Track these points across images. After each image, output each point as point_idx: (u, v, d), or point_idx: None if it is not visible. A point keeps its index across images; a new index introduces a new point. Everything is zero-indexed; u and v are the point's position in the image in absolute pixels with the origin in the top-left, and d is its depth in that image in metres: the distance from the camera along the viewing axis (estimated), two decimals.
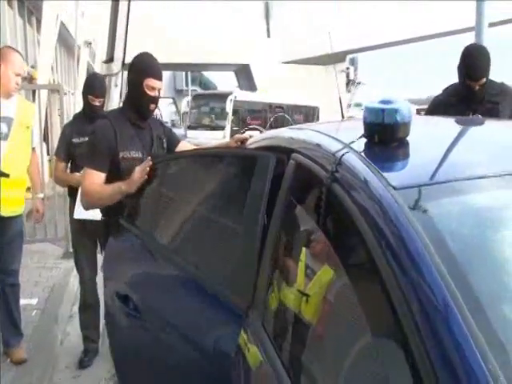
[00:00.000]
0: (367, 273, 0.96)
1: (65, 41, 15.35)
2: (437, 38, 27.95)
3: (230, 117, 20.09)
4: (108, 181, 2.49)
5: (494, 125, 1.77)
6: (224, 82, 49.79)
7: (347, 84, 30.02)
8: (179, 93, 40.14)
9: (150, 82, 2.51)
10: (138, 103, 2.55)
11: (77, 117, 3.72)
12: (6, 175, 2.96)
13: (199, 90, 48.90)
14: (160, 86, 2.56)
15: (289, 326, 1.24)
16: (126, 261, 2.28)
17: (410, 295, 0.83)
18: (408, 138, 1.25)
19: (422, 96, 30.80)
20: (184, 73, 40.62)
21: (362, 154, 1.19)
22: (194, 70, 41.80)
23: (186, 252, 1.79)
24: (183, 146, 2.82)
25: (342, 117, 2.28)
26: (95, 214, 3.41)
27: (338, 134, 1.44)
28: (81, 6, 15.41)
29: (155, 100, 2.57)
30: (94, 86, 3.51)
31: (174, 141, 2.80)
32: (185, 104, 30.28)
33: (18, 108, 3.14)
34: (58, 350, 3.81)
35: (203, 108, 21.40)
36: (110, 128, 2.50)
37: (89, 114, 3.50)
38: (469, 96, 2.88)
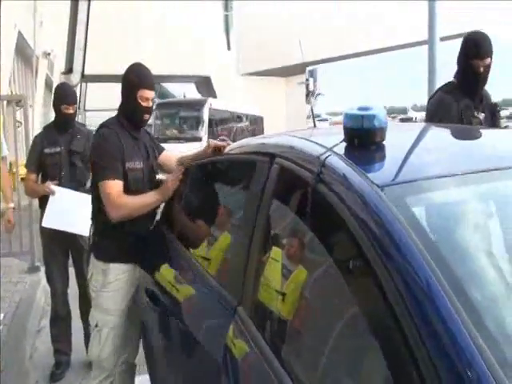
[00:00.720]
0: (357, 264, 1.06)
1: (22, 51, 15.02)
2: (396, 50, 28.87)
3: (207, 127, 18.46)
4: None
5: (461, 129, 1.92)
6: (183, 93, 49.65)
7: (307, 95, 30.56)
8: None
9: (144, 93, 2.50)
10: (133, 114, 2.55)
11: (48, 128, 3.68)
12: None
13: (158, 101, 48.81)
14: (153, 96, 2.57)
15: (275, 316, 1.33)
16: (157, 259, 2.45)
17: (399, 279, 0.92)
18: (384, 142, 1.36)
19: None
20: None
21: (344, 156, 1.29)
22: (155, 82, 41.46)
23: (201, 254, 2.01)
24: (166, 156, 2.82)
25: (314, 125, 2.39)
26: (64, 225, 3.40)
27: (317, 139, 1.54)
28: (39, 15, 15.15)
29: (149, 110, 2.58)
30: (67, 94, 3.51)
31: (158, 150, 2.80)
32: None
33: None
34: (28, 365, 3.73)
35: (171, 118, 19.56)
36: (116, 136, 2.47)
37: (61, 124, 3.49)
38: (474, 79, 2.78)
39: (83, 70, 22.41)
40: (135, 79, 2.51)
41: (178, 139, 17.52)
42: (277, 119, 23.57)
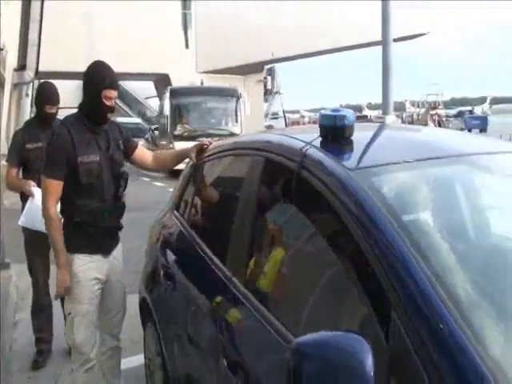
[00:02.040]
0: (338, 232, 1.38)
1: None
2: (351, 49, 29.65)
3: (242, 121, 15.56)
4: (66, 185, 2.56)
5: (411, 128, 2.29)
6: (141, 92, 48.99)
7: (265, 93, 30.90)
8: None
9: (108, 92, 2.55)
10: (96, 113, 2.60)
11: (30, 123, 3.77)
12: None
13: (116, 100, 47.57)
14: (116, 95, 2.63)
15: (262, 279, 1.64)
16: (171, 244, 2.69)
17: (374, 245, 1.24)
18: (352, 138, 1.68)
19: (335, 105, 32.50)
20: None
21: (321, 148, 1.60)
22: None
23: (211, 238, 2.29)
24: (141, 152, 2.88)
25: (286, 125, 2.72)
26: (40, 226, 3.51)
27: (297, 136, 1.85)
28: None
29: (112, 109, 2.64)
30: (50, 94, 3.58)
31: (131, 146, 2.85)
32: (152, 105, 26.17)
33: None
34: (8, 355, 3.86)
35: (194, 109, 15.90)
36: (66, 135, 2.56)
37: (43, 122, 3.58)
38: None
39: (37, 67, 21.87)
40: (100, 79, 2.55)
41: (210, 135, 12.58)
42: None
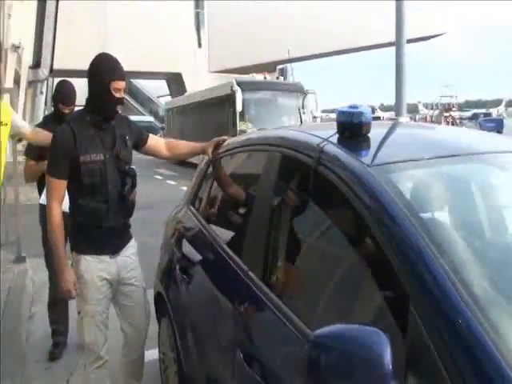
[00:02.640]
0: (356, 227, 1.40)
1: None
2: (364, 50, 29.57)
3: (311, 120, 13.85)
4: (70, 185, 2.49)
5: (428, 126, 2.31)
6: (154, 90, 49.28)
7: None
8: None
9: (117, 84, 2.45)
10: (105, 106, 2.49)
11: (46, 119, 3.83)
12: None
13: (128, 99, 47.84)
14: (124, 86, 2.53)
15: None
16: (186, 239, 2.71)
17: (392, 240, 1.26)
18: (369, 135, 1.70)
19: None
20: None
21: (338, 144, 1.62)
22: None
23: (227, 233, 2.36)
24: (152, 142, 2.78)
25: (301, 122, 2.72)
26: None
27: (314, 132, 1.87)
28: (7, 7, 14.92)
29: (122, 101, 2.52)
30: (65, 95, 3.64)
31: (142, 138, 2.75)
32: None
33: None
34: (25, 347, 3.93)
35: (262, 106, 13.88)
36: (68, 133, 2.47)
37: (58, 119, 3.59)
38: None
39: (52, 65, 22.10)
40: (108, 70, 2.44)
41: None
42: None
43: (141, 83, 47.61)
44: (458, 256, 1.28)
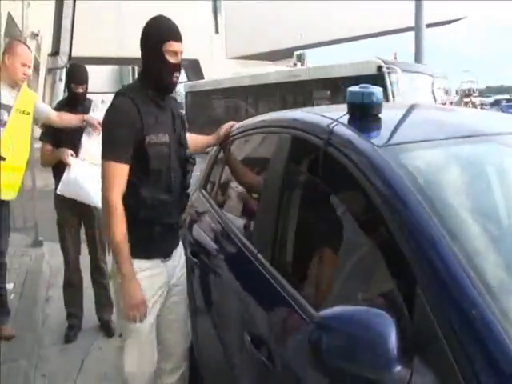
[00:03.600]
0: (365, 210, 1.36)
1: (11, 33, 14.93)
2: (380, 36, 29.14)
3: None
4: (132, 173, 2.04)
5: (439, 108, 2.25)
6: None
7: None
8: None
9: (171, 46, 2.05)
10: (160, 75, 2.08)
11: (61, 103, 3.84)
12: (3, 158, 3.14)
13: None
14: (181, 49, 2.10)
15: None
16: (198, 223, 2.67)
17: (402, 223, 1.22)
18: (380, 115, 1.65)
19: None
20: (131, 67, 40.11)
21: (349, 125, 1.58)
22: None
23: (237, 215, 2.33)
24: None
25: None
26: (79, 195, 3.61)
27: (324, 113, 1.83)
28: None
29: (179, 67, 2.11)
30: (76, 74, 3.66)
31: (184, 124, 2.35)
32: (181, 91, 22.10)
33: (20, 96, 3.32)
34: (41, 329, 4.00)
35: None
36: (132, 107, 2.03)
37: (72, 101, 3.66)
38: None
39: (70, 52, 22.23)
40: (158, 32, 2.07)
41: None
42: None
43: None
44: (472, 242, 1.24)
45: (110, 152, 2.03)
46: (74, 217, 3.73)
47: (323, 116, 1.74)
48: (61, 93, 25.71)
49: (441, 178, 1.46)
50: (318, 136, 1.62)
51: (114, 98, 2.13)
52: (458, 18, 27.13)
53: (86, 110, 3.66)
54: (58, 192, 3.57)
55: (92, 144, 3.51)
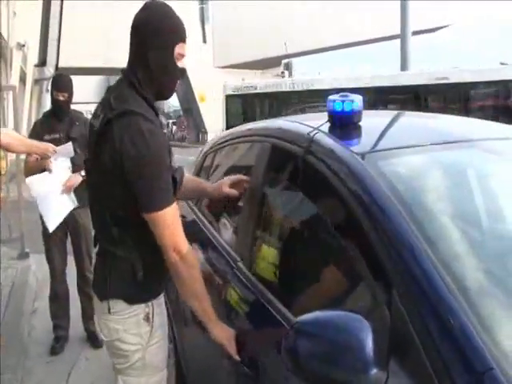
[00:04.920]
0: (345, 217, 1.39)
1: None
2: (366, 44, 29.45)
3: None
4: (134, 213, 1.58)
5: (417, 115, 2.30)
6: None
7: None
8: None
9: (182, 48, 1.69)
10: (165, 81, 1.69)
11: (46, 114, 3.81)
12: None
13: None
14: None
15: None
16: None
17: (380, 231, 1.25)
18: (360, 123, 1.68)
19: None
20: (118, 77, 40.03)
21: (329, 133, 1.61)
22: None
23: (219, 224, 2.32)
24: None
25: None
26: (63, 213, 3.56)
27: (304, 121, 1.86)
28: (12, 4, 14.95)
29: (184, 73, 1.75)
30: (58, 81, 3.63)
31: None
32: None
33: None
34: (27, 341, 3.96)
35: None
36: (161, 134, 1.65)
37: (57, 111, 3.63)
38: None
39: (57, 63, 22.17)
40: (174, 28, 1.69)
41: None
42: None
43: None
44: (449, 248, 1.26)
45: (158, 193, 1.55)
46: (60, 227, 3.70)
47: (304, 124, 1.76)
48: (48, 103, 25.66)
49: (420, 185, 1.49)
50: (298, 144, 1.64)
51: (133, 122, 1.56)
52: (442, 26, 27.51)
53: (72, 122, 3.66)
54: (51, 231, 3.51)
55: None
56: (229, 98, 16.85)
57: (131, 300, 1.66)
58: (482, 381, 0.94)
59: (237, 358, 1.55)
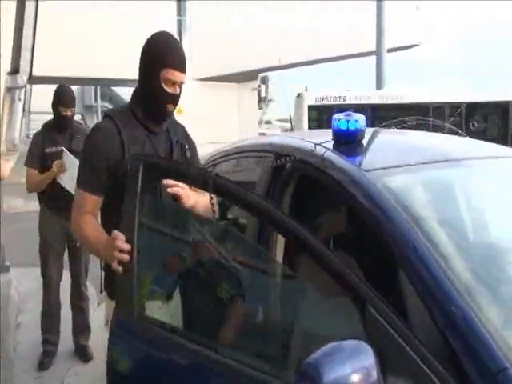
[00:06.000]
0: (356, 224, 1.48)
1: None
2: (341, 60, 29.97)
3: None
4: (111, 202, 1.85)
5: (416, 134, 2.42)
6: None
7: (259, 101, 30.99)
8: (88, 109, 38.89)
9: (170, 73, 1.87)
10: (152, 102, 1.91)
11: (47, 127, 3.75)
12: None
13: (109, 106, 47.49)
14: (182, 80, 1.92)
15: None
16: None
17: (389, 237, 1.36)
18: (363, 141, 1.78)
19: None
20: (93, 88, 39.58)
21: (337, 151, 1.70)
22: (106, 85, 40.90)
23: None
24: None
25: (292, 129, 2.80)
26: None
27: (312, 140, 1.94)
28: None
29: (175, 98, 1.92)
30: (64, 97, 3.61)
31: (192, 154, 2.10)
32: None
33: None
34: (13, 357, 3.90)
35: None
36: (112, 130, 1.89)
37: (60, 125, 3.63)
38: None
39: (31, 71, 21.84)
40: (159, 53, 1.89)
41: None
42: (229, 124, 23.85)
43: (120, 91, 47.16)
44: (448, 252, 1.37)
45: (80, 179, 1.91)
46: (61, 240, 3.67)
47: (311, 142, 1.84)
48: (20, 112, 25.23)
49: (420, 198, 1.62)
50: (310, 162, 1.73)
51: (99, 122, 2.04)
52: (414, 44, 28.24)
53: (73, 134, 3.65)
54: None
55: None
56: (311, 109, 15.75)
57: None
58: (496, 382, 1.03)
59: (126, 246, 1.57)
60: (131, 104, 1.99)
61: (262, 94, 32.19)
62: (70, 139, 3.63)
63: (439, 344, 1.13)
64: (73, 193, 3.32)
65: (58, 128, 3.64)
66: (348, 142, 1.74)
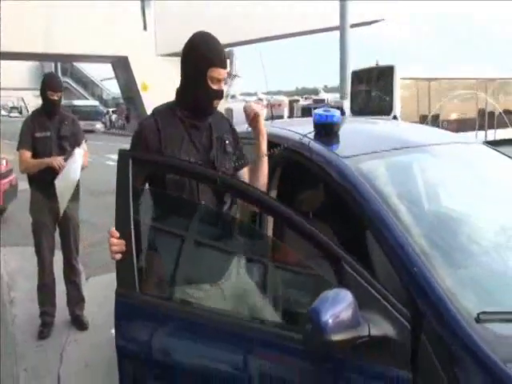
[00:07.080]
0: (335, 205, 1.87)
1: None
2: (306, 34, 30.13)
3: None
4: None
5: (385, 123, 2.82)
6: (98, 74, 47.88)
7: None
8: None
9: (215, 72, 1.98)
10: (199, 100, 2.01)
11: (36, 112, 3.95)
12: None
13: (70, 82, 46.30)
14: (225, 76, 2.04)
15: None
16: None
17: (363, 212, 1.71)
18: (339, 132, 2.15)
19: (291, 88, 32.73)
20: (53, 63, 38.55)
21: (319, 141, 2.06)
22: (69, 62, 39.73)
23: None
24: (247, 172, 2.17)
25: (272, 117, 3.08)
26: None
27: (297, 130, 2.29)
28: None
29: (220, 94, 2.02)
30: (52, 82, 3.84)
31: (244, 159, 2.16)
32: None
33: None
34: (12, 329, 4.17)
35: None
36: (152, 127, 1.98)
37: (48, 110, 3.83)
38: None
39: None
40: (205, 53, 1.97)
41: None
42: None
43: (84, 66, 45.92)
44: (408, 222, 1.73)
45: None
46: (51, 221, 3.90)
47: (297, 133, 2.20)
48: None
49: (389, 180, 1.99)
50: (297, 151, 2.10)
51: (143, 120, 2.11)
52: (378, 20, 28.67)
53: (62, 120, 3.86)
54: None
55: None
56: (403, 83, 14.28)
57: None
58: None
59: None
60: (174, 102, 2.08)
61: (227, 70, 31.96)
62: (59, 125, 3.85)
63: (399, 289, 1.52)
64: (60, 200, 3.68)
65: (47, 113, 3.84)
66: (327, 133, 2.11)
